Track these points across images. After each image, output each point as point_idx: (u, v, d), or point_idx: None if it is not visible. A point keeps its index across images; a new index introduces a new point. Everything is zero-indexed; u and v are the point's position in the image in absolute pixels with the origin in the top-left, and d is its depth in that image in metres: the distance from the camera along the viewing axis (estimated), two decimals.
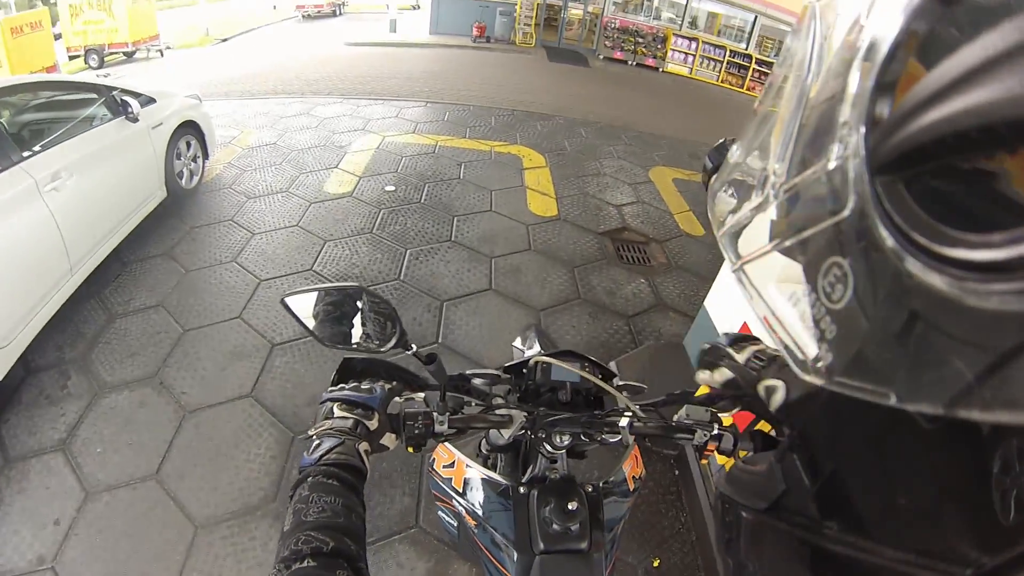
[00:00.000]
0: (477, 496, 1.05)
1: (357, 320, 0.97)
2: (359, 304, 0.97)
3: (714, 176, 0.65)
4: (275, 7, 32.40)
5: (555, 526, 0.94)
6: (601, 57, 16.06)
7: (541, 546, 0.94)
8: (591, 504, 0.99)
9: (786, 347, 0.42)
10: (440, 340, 3.35)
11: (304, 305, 0.96)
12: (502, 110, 8.49)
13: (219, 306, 3.65)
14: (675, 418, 1.00)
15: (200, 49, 17.41)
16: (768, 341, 0.97)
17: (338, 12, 25.98)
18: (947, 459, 0.47)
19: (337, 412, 0.88)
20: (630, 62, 15.90)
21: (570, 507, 0.95)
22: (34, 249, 3.14)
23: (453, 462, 1.13)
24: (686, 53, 15.66)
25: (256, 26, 22.59)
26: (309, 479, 0.75)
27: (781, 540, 0.59)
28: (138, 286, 3.85)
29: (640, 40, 15.91)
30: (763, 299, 0.47)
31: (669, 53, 15.74)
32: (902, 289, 0.29)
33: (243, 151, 6.29)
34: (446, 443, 1.11)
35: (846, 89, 0.34)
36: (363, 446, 0.84)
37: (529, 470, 1.12)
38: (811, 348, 0.38)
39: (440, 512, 1.25)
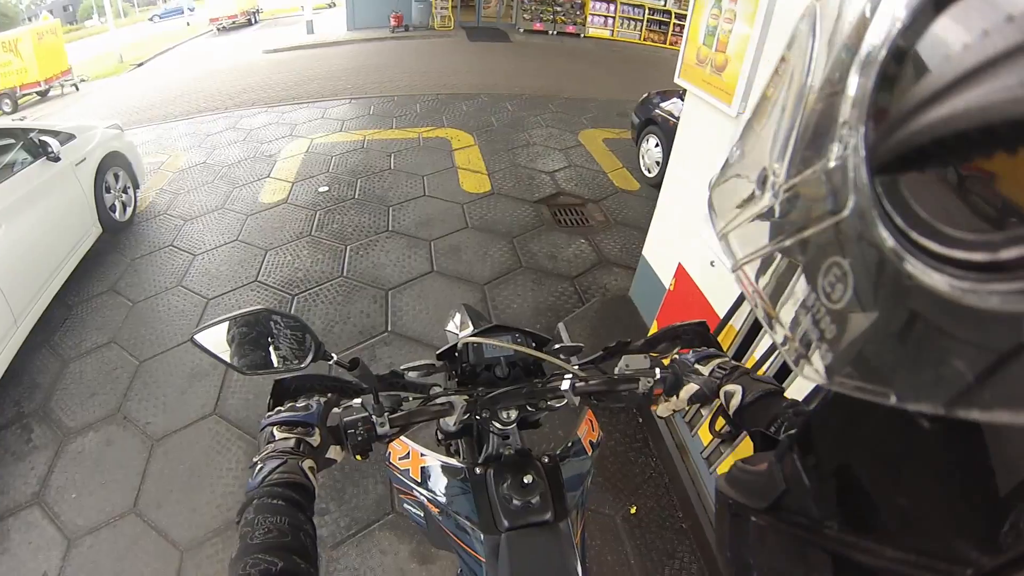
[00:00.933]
0: (436, 484, 1.03)
1: (272, 341, 0.91)
2: (270, 325, 0.90)
3: (714, 177, 0.63)
4: (188, 23, 30.77)
5: (515, 501, 0.92)
6: (521, 31, 15.66)
7: (505, 524, 0.91)
8: (549, 474, 0.96)
9: (785, 347, 0.41)
10: (389, 328, 3.30)
11: (216, 339, 0.89)
12: (426, 96, 8.24)
13: (171, 332, 3.48)
14: (616, 371, 0.97)
15: (116, 77, 16.20)
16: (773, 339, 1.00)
17: (253, 20, 24.62)
18: (947, 459, 0.46)
19: (277, 435, 0.84)
20: (551, 32, 15.58)
21: (526, 480, 0.93)
22: None
23: (408, 453, 1.09)
24: (605, 16, 15.50)
25: (171, 45, 21.24)
26: (254, 502, 0.71)
27: (781, 540, 0.58)
28: (87, 326, 3.63)
29: (559, 8, 15.57)
30: (763, 299, 0.46)
31: (588, 18, 15.53)
32: (902, 289, 0.29)
33: (174, 175, 5.93)
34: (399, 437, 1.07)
35: (846, 88, 0.33)
36: (307, 463, 0.80)
37: (484, 450, 1.09)
38: (811, 348, 0.37)
39: (405, 504, 1.21)
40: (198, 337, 0.88)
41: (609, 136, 6.54)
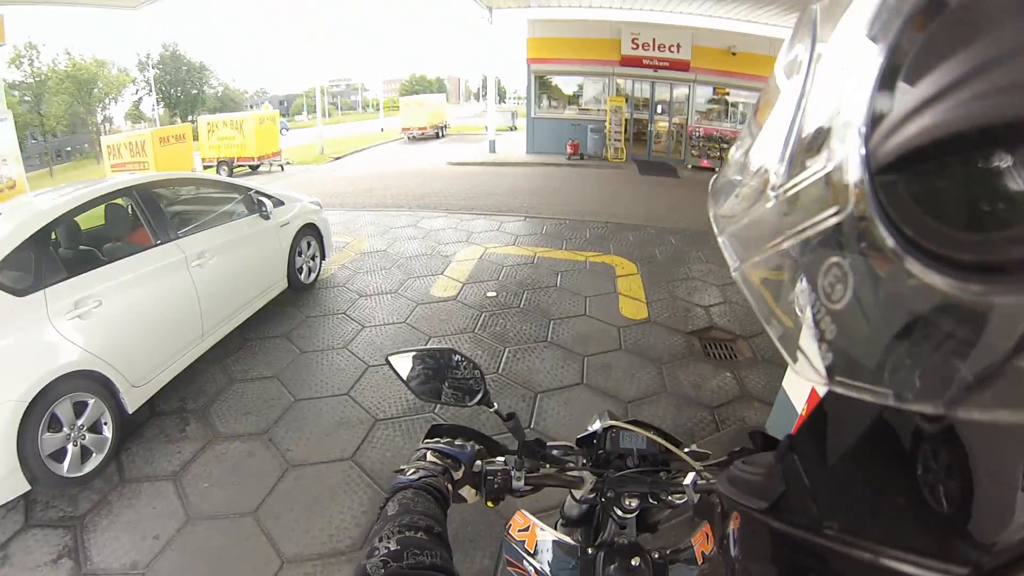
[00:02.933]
0: (547, 557, 1.16)
1: (448, 378, 1.18)
2: (451, 364, 1.17)
3: (714, 177, 0.72)
4: (382, 129, 37.21)
5: None
6: (689, 167, 17.41)
7: None
8: (656, 570, 1.08)
9: (786, 347, 0.45)
10: (532, 426, 3.78)
11: (404, 364, 1.19)
12: (596, 222, 9.44)
13: (329, 384, 4.35)
14: None
15: (316, 166, 20.63)
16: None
17: (440, 134, 30.47)
18: (913, 470, 0.52)
19: (430, 457, 1.08)
20: (717, 168, 16.71)
21: (633, 563, 1.05)
22: (176, 311, 4.13)
23: (528, 527, 1.23)
24: None
25: (365, 146, 26.56)
26: (410, 489, 0.93)
27: (781, 540, 0.62)
28: (256, 359, 4.71)
29: (725, 146, 17.08)
30: (763, 299, 0.51)
31: None
32: (902, 289, 0.31)
33: (356, 255, 7.49)
34: (522, 511, 1.25)
35: (846, 88, 0.36)
36: (448, 486, 1.01)
37: (600, 536, 1.23)
38: (811, 348, 0.40)
39: None
40: (392, 358, 1.19)
41: (767, 276, 6.76)
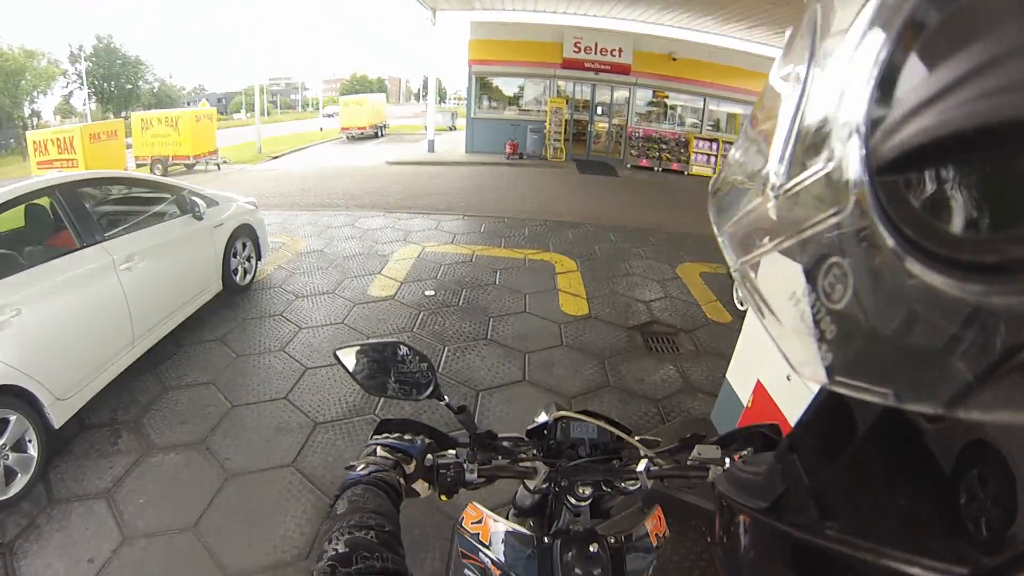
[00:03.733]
0: (502, 549, 1.15)
1: (396, 371, 1.17)
2: (399, 357, 1.16)
3: (714, 177, 0.71)
4: (321, 129, 36.59)
5: (577, 570, 1.04)
6: (628, 166, 18.02)
7: None
8: (613, 555, 1.08)
9: (786, 347, 0.45)
10: (476, 424, 3.75)
11: (351, 358, 1.18)
12: (535, 221, 9.57)
13: (266, 387, 4.23)
14: (688, 460, 1.13)
15: (252, 165, 19.91)
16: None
17: (380, 134, 30.07)
18: (945, 459, 0.53)
19: (380, 452, 1.07)
20: (656, 168, 17.81)
21: (591, 549, 1.06)
22: (104, 317, 3.90)
23: (481, 519, 1.23)
24: (708, 155, 17.53)
25: (304, 146, 25.80)
26: (360, 485, 0.92)
27: (781, 540, 0.62)
28: (191, 365, 4.53)
29: (664, 147, 17.97)
30: (763, 299, 0.50)
31: (692, 156, 17.61)
32: (902, 289, 0.31)
33: (293, 256, 7.30)
34: (474, 503, 1.25)
35: (846, 89, 0.36)
36: (401, 480, 1.02)
37: (554, 525, 1.26)
38: (811, 348, 0.39)
39: (466, 571, 1.32)
40: (339, 352, 1.17)
41: (706, 270, 7.29)
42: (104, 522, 3.00)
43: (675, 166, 17.66)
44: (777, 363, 2.76)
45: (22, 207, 3.85)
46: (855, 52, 0.35)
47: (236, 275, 5.79)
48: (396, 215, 9.68)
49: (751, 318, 3.53)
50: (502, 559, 1.14)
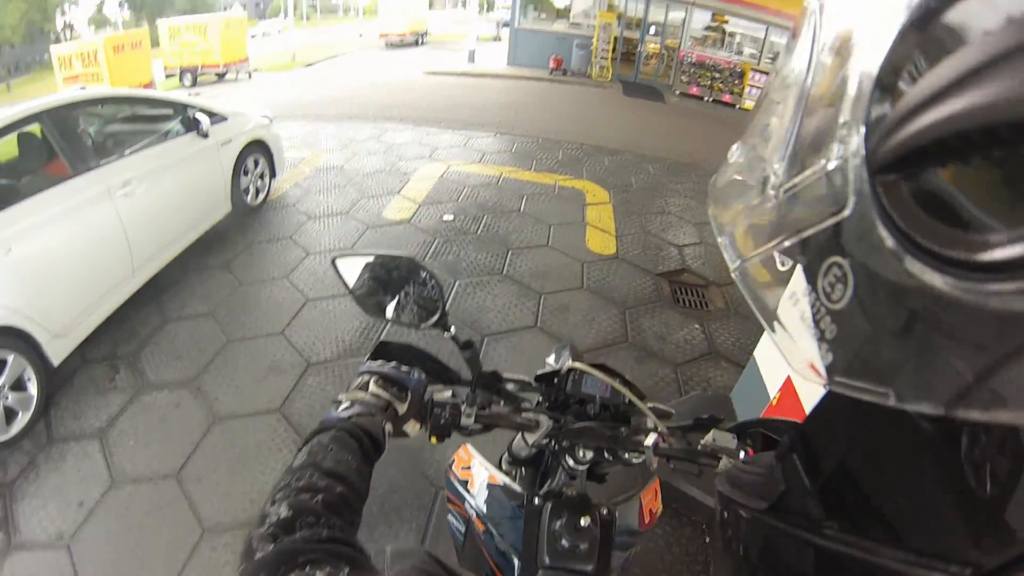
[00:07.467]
0: (490, 500, 1.09)
1: (402, 292, 1.03)
2: (408, 276, 1.02)
3: (715, 176, 0.71)
4: (360, 35, 35.26)
5: (564, 541, 0.97)
6: (677, 93, 16.33)
7: (547, 560, 0.96)
8: (603, 526, 1.00)
9: (785, 347, 0.44)
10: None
11: (353, 269, 1.03)
12: (571, 143, 8.81)
13: (265, 321, 4.00)
14: (701, 443, 1.03)
15: (286, 73, 19.22)
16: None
17: (421, 41, 28.44)
18: (944, 459, 0.49)
19: (373, 387, 0.94)
20: (706, 98, 16.06)
21: (582, 523, 0.98)
22: (100, 248, 3.64)
23: (471, 464, 1.17)
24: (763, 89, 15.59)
25: (341, 53, 24.59)
26: (332, 431, 0.81)
27: (781, 540, 0.61)
28: (194, 294, 4.31)
29: (717, 76, 16.07)
30: (763, 299, 0.50)
31: (747, 89, 15.73)
32: (902, 289, 0.31)
33: (311, 172, 6.90)
34: (468, 445, 1.17)
35: (846, 89, 0.35)
36: (387, 426, 0.90)
37: (547, 484, 1.18)
38: (811, 348, 0.39)
39: (449, 516, 1.29)
40: (339, 262, 1.03)
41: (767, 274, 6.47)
42: (96, 464, 2.93)
43: (727, 98, 15.82)
44: None
45: (14, 136, 3.55)
46: (855, 51, 0.36)
47: (248, 194, 5.47)
48: (425, 129, 9.07)
49: (789, 291, 3.00)
50: (484, 510, 1.09)
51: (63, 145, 3.58)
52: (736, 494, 0.73)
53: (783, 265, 0.47)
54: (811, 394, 2.35)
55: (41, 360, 3.18)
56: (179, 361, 3.60)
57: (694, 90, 16.15)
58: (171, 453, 2.96)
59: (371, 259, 1.03)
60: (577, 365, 1.10)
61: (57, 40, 38.30)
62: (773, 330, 0.47)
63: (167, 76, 17.79)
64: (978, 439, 0.46)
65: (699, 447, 1.03)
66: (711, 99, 15.99)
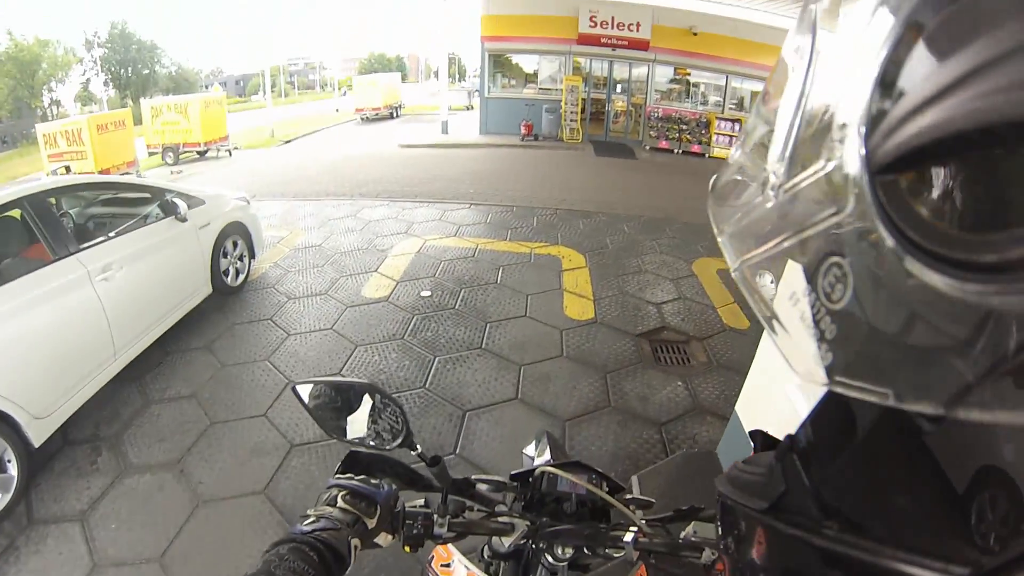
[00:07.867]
0: None
1: (365, 415, 1.04)
2: (369, 400, 1.04)
3: (714, 176, 0.71)
4: (337, 110, 36.36)
5: None
6: (647, 148, 17.25)
7: None
8: None
9: (785, 347, 0.45)
10: (458, 451, 3.57)
11: (315, 395, 1.06)
12: (546, 209, 9.17)
13: (247, 402, 4.06)
14: (682, 535, 1.02)
15: (264, 150, 19.72)
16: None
17: (395, 114, 29.72)
18: (944, 459, 0.52)
19: (340, 503, 0.94)
20: (676, 150, 17.00)
21: None
22: (81, 331, 3.73)
23: (451, 562, 1.19)
24: (730, 136, 16.58)
25: (318, 128, 25.48)
26: (292, 543, 0.81)
27: (781, 540, 0.61)
28: (176, 375, 4.37)
29: (684, 127, 17.06)
30: (763, 299, 0.50)
31: (714, 137, 16.71)
32: (902, 289, 0.31)
33: (289, 251, 7.09)
34: (447, 544, 1.15)
35: (846, 89, 0.35)
36: (355, 541, 0.89)
37: None
38: (811, 348, 0.39)
39: None
40: (299, 388, 1.05)
41: (723, 267, 6.73)
42: (77, 547, 2.91)
43: (696, 148, 16.83)
44: (791, 415, 2.36)
45: None
46: (855, 51, 0.35)
47: (227, 276, 5.60)
48: (401, 204, 9.40)
49: (764, 347, 3.10)
50: None
51: (43, 230, 3.70)
52: (736, 494, 0.73)
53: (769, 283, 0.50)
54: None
55: (22, 441, 3.19)
56: (162, 443, 3.63)
57: (663, 144, 17.08)
58: (154, 536, 2.96)
59: (330, 384, 1.07)
60: (548, 469, 1.12)
61: (44, 116, 38.91)
62: (773, 330, 0.47)
63: (150, 154, 18.25)
64: (985, 517, 0.49)
65: (680, 539, 1.02)
66: (680, 151, 16.93)
